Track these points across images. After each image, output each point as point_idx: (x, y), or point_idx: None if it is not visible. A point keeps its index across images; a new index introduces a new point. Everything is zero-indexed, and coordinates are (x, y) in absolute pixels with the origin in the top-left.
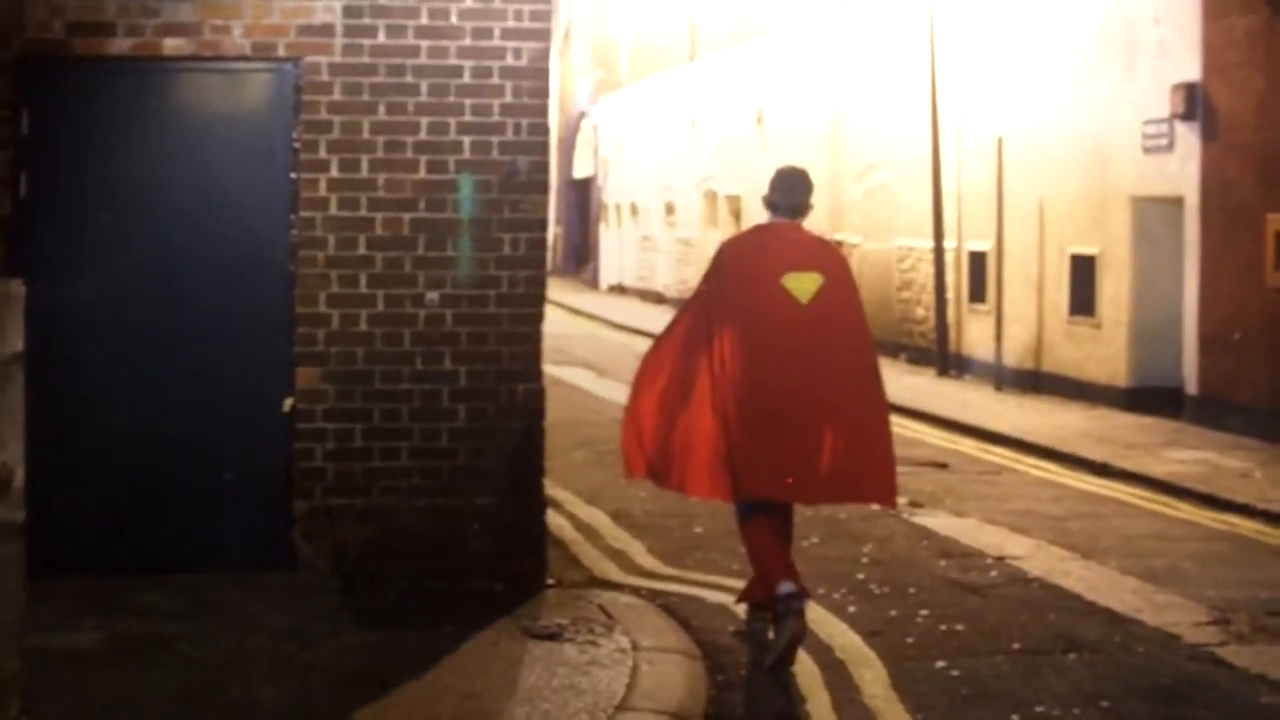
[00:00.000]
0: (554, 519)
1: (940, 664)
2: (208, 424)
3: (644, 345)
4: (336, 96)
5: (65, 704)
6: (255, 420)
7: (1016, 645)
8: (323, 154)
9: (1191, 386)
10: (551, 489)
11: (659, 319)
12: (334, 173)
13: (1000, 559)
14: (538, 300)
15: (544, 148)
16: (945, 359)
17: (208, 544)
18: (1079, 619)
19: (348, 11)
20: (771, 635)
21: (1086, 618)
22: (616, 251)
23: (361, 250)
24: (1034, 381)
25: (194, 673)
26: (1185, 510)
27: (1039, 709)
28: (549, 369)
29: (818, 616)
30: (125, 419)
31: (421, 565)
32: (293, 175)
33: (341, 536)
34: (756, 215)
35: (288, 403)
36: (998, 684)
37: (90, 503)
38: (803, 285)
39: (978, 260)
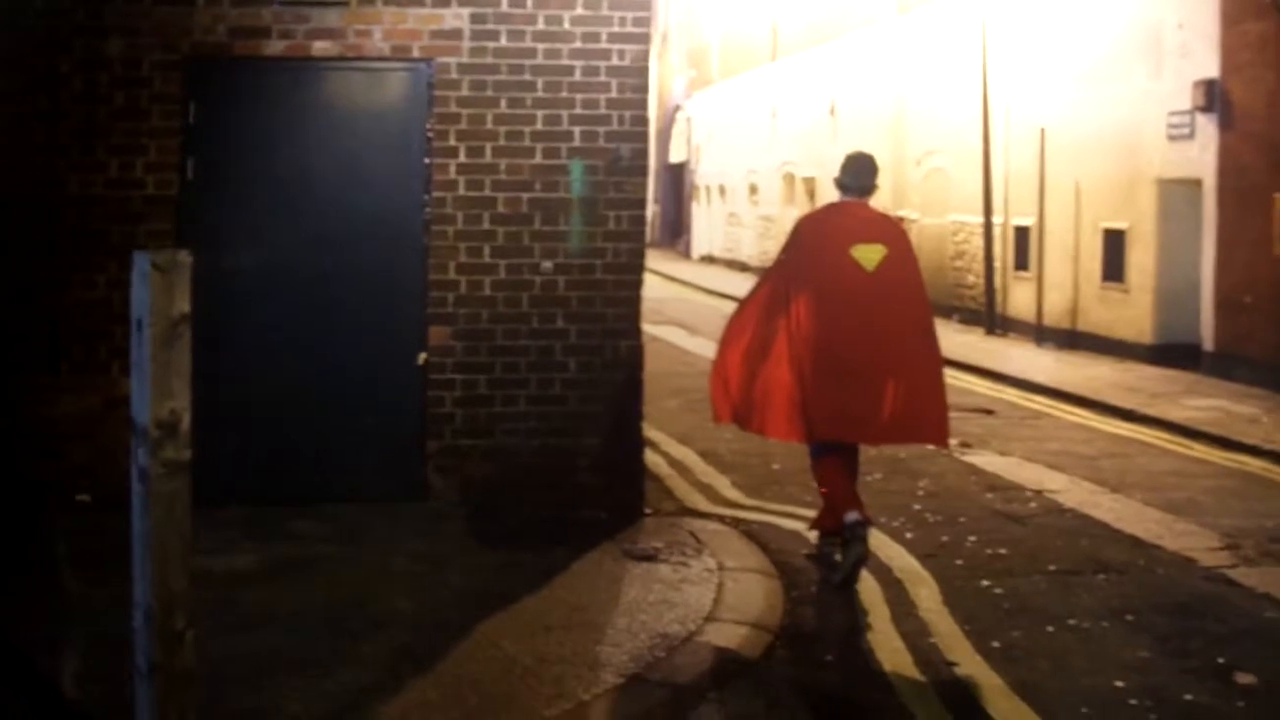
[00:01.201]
0: (650, 457)
1: (986, 583)
2: (353, 375)
3: (730, 307)
4: (464, 92)
5: (226, 617)
6: (394, 372)
7: (1052, 567)
8: (452, 142)
9: (1208, 343)
10: (648, 431)
11: (743, 285)
12: (462, 158)
13: (1039, 492)
14: (638, 268)
15: (644, 136)
16: (992, 319)
17: (353, 478)
18: (1107, 544)
19: (474, 18)
20: (839, 557)
21: (1114, 543)
22: (706, 226)
23: (486, 225)
24: (1070, 339)
25: (339, 589)
26: (1201, 450)
27: (1071, 621)
28: (647, 328)
29: (879, 541)
30: (281, 372)
31: (537, 496)
32: (426, 161)
33: (468, 472)
34: (829, 194)
35: (421, 357)
36: (1036, 600)
37: (250, 443)
38: (868, 255)
39: (1022, 234)
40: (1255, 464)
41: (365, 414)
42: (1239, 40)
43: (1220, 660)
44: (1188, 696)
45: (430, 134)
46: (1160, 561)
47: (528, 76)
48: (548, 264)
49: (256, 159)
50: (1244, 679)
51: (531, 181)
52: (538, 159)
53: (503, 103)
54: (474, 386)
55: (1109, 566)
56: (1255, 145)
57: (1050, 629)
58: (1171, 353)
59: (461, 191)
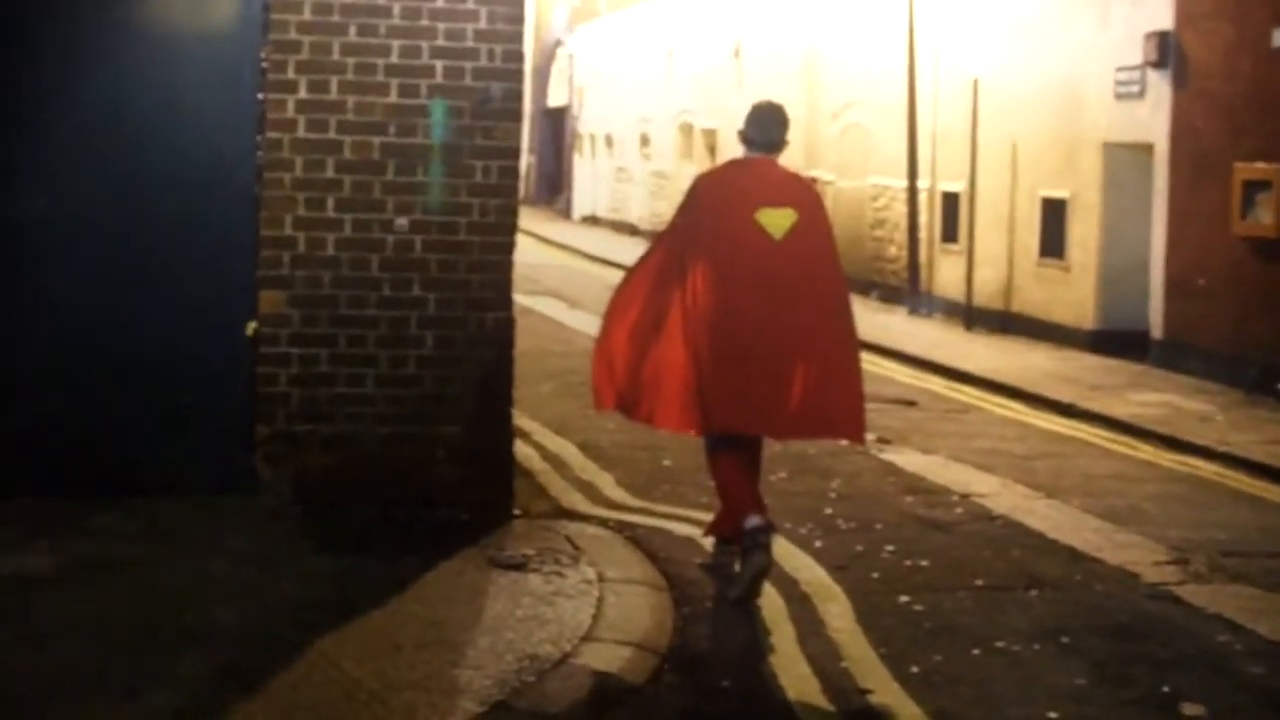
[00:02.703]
0: (521, 449)
1: (904, 599)
2: (168, 346)
3: (616, 277)
4: (306, 16)
5: (16, 627)
6: (218, 343)
7: (979, 581)
8: (291, 74)
9: (1156, 331)
10: (520, 419)
11: (632, 251)
12: (302, 94)
13: (965, 496)
14: (509, 229)
15: (518, 75)
16: (916, 298)
17: (166, 467)
18: (1041, 556)
19: None
20: (738, 568)
21: (1048, 555)
22: (590, 182)
23: (330, 173)
24: (1003, 322)
25: (150, 596)
26: (1147, 451)
27: (1000, 644)
28: (519, 298)
29: (784, 550)
30: (82, 338)
31: (386, 493)
32: (260, 96)
33: (304, 462)
34: (732, 150)
35: (250, 326)
36: (960, 619)
37: (44, 424)
38: (776, 221)
39: (950, 201)
40: (1207, 468)
41: (182, 392)
42: None
43: (1165, 689)
44: None
45: (265, 64)
46: (1099, 577)
47: (382, 0)
48: (402, 221)
49: (52, 88)
50: (1191, 709)
51: (385, 124)
52: (392, 97)
53: (352, 29)
54: (313, 363)
55: (1042, 582)
56: (1212, 107)
57: (976, 652)
58: (1115, 340)
59: (301, 133)
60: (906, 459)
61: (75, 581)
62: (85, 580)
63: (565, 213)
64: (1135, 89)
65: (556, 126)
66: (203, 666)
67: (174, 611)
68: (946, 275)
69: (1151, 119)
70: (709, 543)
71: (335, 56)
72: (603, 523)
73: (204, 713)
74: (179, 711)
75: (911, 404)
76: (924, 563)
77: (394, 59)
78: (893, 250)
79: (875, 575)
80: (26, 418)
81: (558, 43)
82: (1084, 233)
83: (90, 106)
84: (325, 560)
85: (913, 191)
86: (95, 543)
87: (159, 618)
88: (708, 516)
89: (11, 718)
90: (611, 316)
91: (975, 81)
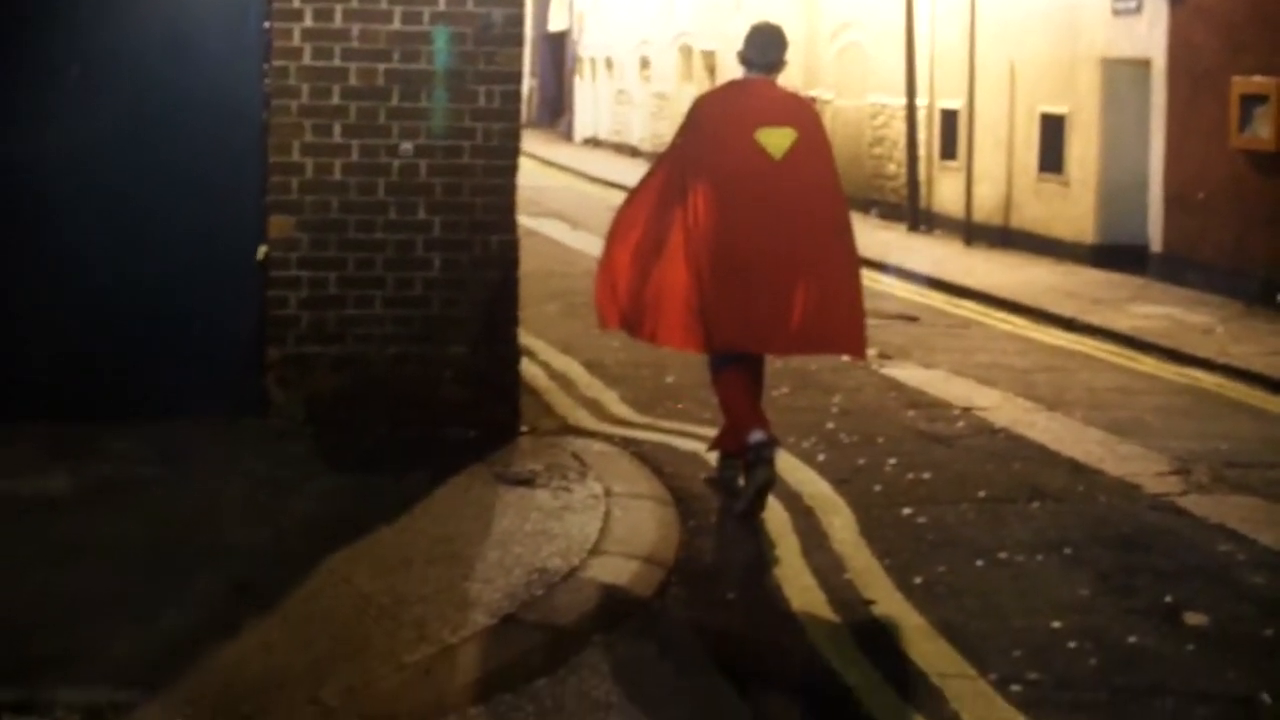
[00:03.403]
0: (528, 368)
1: (907, 511)
2: (179, 272)
3: (618, 198)
4: None
5: (34, 549)
6: (229, 268)
7: (982, 494)
8: (296, 3)
9: (1156, 244)
10: (525, 339)
11: (634, 172)
12: (307, 22)
13: (967, 410)
14: (512, 152)
15: (519, 1)
16: (916, 215)
17: (180, 391)
18: (1043, 469)
19: None
20: (742, 482)
21: (1051, 468)
22: (591, 105)
23: (335, 100)
24: (1003, 238)
25: (165, 518)
26: (1149, 364)
27: (1002, 555)
28: (523, 220)
29: (787, 464)
30: (96, 266)
31: (395, 413)
32: (266, 24)
33: (315, 384)
34: (731, 71)
35: (261, 251)
36: (963, 530)
37: (60, 350)
38: (776, 140)
39: (949, 118)
40: (1208, 379)
41: (194, 317)
42: None
43: (1168, 599)
44: (1132, 639)
45: None
46: (1102, 488)
47: None
48: (407, 146)
49: (61, 19)
50: (1194, 619)
51: (389, 50)
52: (396, 24)
53: None
54: (322, 286)
55: (1045, 494)
56: (1210, 22)
57: (979, 563)
58: (1115, 254)
59: (307, 60)
60: (908, 374)
61: (93, 503)
62: (102, 502)
63: (567, 135)
64: (1133, 4)
65: (557, 51)
66: (218, 584)
67: (189, 532)
68: (946, 192)
69: (1149, 35)
70: (713, 458)
71: None
72: (608, 439)
73: (220, 630)
74: (195, 629)
75: (912, 319)
76: (926, 476)
77: None
78: (892, 168)
79: (878, 488)
80: (41, 342)
81: None
82: (1083, 149)
83: (98, 37)
84: (336, 479)
85: (911, 109)
86: (111, 465)
87: (175, 538)
88: (712, 432)
89: (32, 637)
90: (614, 237)
91: (973, 0)
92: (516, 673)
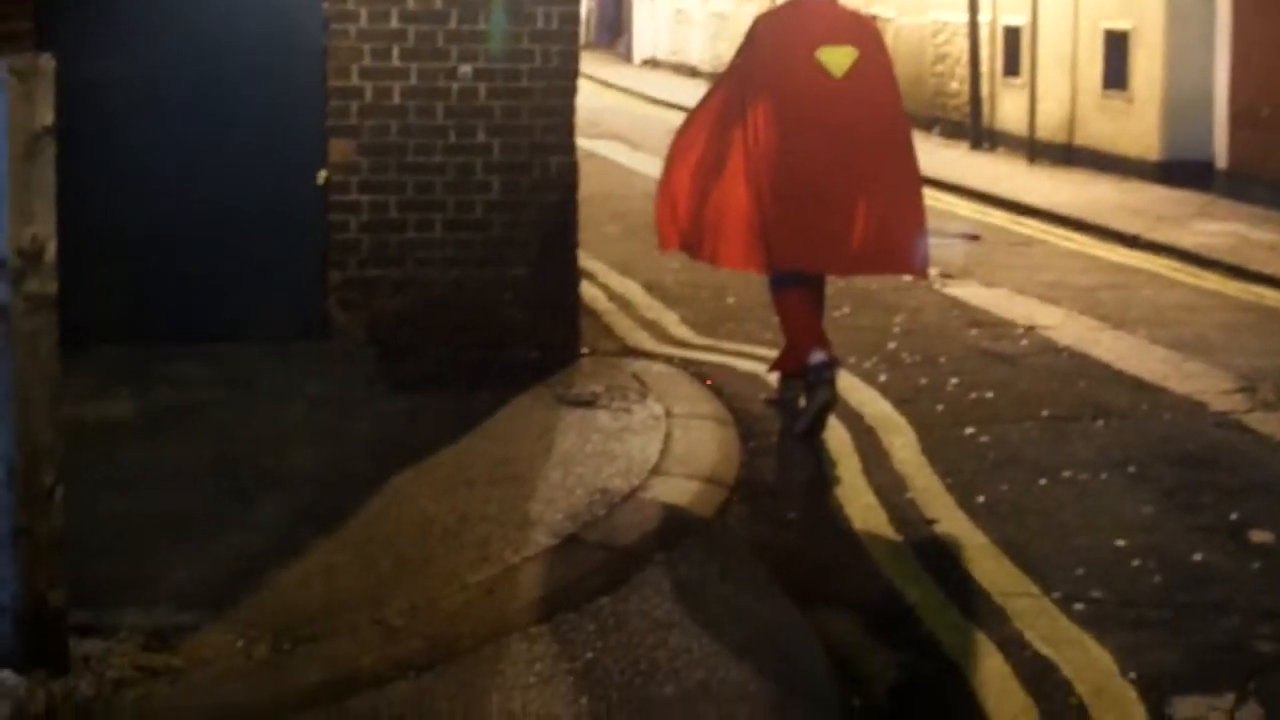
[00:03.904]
0: (587, 290)
1: (969, 430)
2: (242, 196)
3: (677, 119)
4: None
5: (101, 473)
6: (290, 192)
7: (1045, 412)
8: None
9: (1221, 161)
10: (585, 260)
11: (693, 93)
12: None
13: (1030, 328)
14: (570, 74)
15: None
16: (978, 133)
17: (243, 314)
18: (1107, 387)
19: None
20: (803, 403)
21: (1114, 386)
22: (650, 25)
23: (394, 23)
24: (1066, 155)
25: (229, 440)
26: (1213, 281)
27: (1066, 473)
28: (582, 142)
29: (849, 384)
30: (158, 191)
31: (456, 335)
32: None
33: (376, 306)
34: None
35: (321, 175)
36: (1026, 449)
37: (124, 275)
38: (837, 59)
39: (1012, 35)
40: (1273, 296)
41: (256, 241)
42: None
43: (1233, 516)
44: (1197, 556)
45: None
46: (1166, 406)
47: None
48: (466, 68)
49: None
50: (1259, 537)
51: None
52: None
53: None
54: (383, 209)
55: (1109, 412)
56: None
57: (1042, 482)
58: (1180, 171)
59: None
60: (970, 293)
61: (156, 427)
62: (166, 425)
63: (625, 56)
64: None
65: None
66: (281, 507)
67: (252, 455)
68: (1008, 110)
69: None
70: (774, 378)
71: None
72: (668, 360)
73: (284, 552)
74: (259, 551)
75: (975, 238)
76: (989, 395)
77: None
78: (954, 86)
79: (940, 408)
80: (106, 268)
81: None
82: (1147, 64)
83: None
84: (398, 401)
85: (974, 26)
86: (174, 389)
87: (238, 462)
88: (772, 353)
89: (97, 560)
90: (674, 158)
91: None
92: (578, 592)
